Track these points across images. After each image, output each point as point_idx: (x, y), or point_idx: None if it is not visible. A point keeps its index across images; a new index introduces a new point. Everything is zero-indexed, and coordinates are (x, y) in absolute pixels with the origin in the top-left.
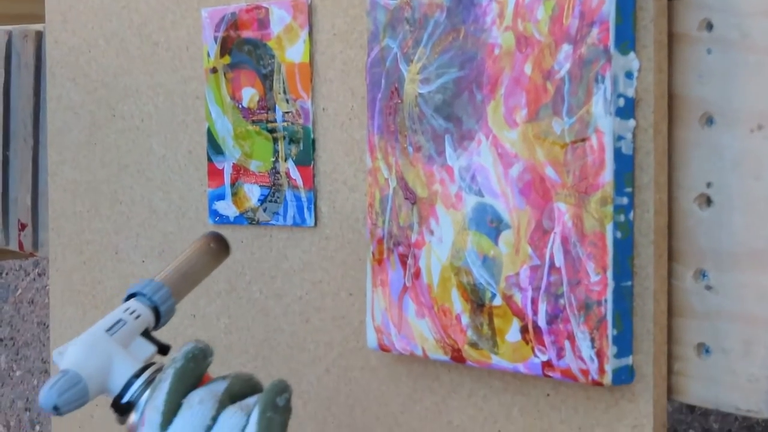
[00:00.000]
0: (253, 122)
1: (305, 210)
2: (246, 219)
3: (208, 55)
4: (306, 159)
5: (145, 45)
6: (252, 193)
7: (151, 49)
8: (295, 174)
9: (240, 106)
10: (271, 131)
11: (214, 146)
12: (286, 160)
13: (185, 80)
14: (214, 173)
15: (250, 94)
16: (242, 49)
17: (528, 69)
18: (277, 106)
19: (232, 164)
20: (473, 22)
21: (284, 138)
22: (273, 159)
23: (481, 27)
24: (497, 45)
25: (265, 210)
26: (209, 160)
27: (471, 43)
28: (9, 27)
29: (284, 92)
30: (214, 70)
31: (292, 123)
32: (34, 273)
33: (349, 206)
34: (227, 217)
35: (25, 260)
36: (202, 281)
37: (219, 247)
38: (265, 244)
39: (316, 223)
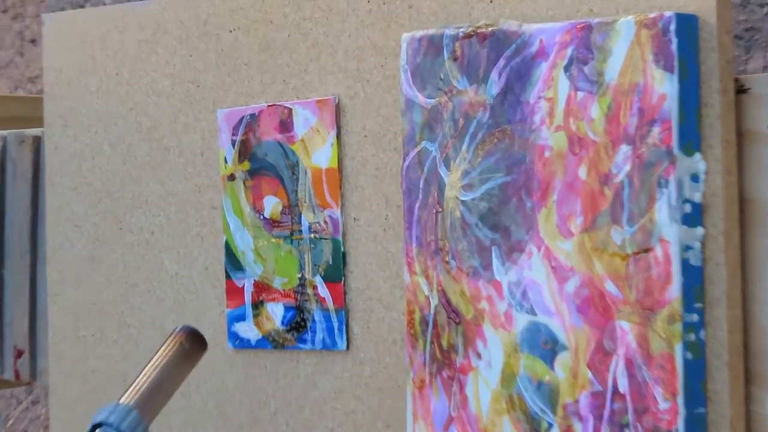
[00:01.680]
0: (277, 234)
1: (336, 332)
2: (270, 342)
3: (226, 161)
4: (336, 275)
5: (154, 151)
6: (276, 313)
7: (161, 155)
8: (323, 292)
9: (261, 216)
10: (297, 244)
11: (233, 262)
12: (313, 276)
13: (200, 189)
14: (233, 292)
15: (272, 204)
16: (263, 153)
17: (583, 173)
18: (302, 216)
19: (253, 281)
20: (520, 122)
21: (311, 252)
22: (299, 275)
23: (529, 127)
24: (547, 146)
25: (290, 332)
26: (228, 277)
27: (518, 145)
28: (4, 132)
29: (310, 201)
30: (232, 177)
31: (320, 235)
32: (27, 401)
33: (385, 327)
34: (248, 340)
35: (16, 388)
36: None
37: (194, 346)
38: (291, 370)
39: (348, 347)
